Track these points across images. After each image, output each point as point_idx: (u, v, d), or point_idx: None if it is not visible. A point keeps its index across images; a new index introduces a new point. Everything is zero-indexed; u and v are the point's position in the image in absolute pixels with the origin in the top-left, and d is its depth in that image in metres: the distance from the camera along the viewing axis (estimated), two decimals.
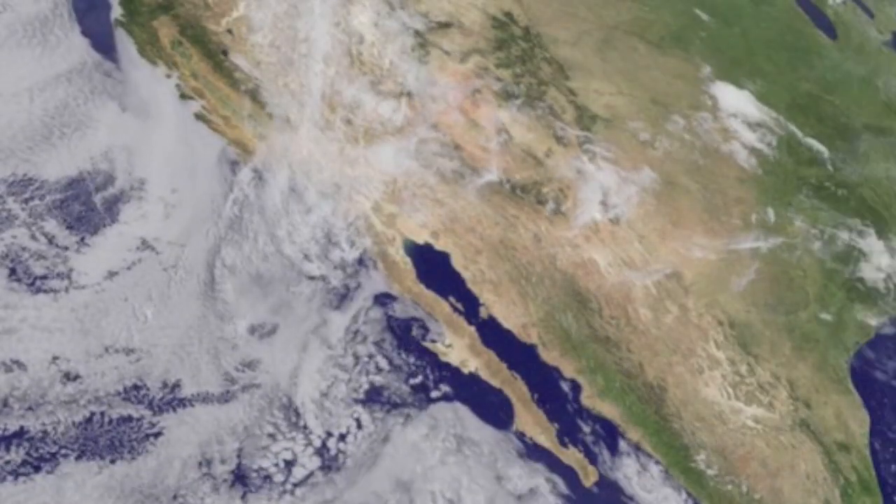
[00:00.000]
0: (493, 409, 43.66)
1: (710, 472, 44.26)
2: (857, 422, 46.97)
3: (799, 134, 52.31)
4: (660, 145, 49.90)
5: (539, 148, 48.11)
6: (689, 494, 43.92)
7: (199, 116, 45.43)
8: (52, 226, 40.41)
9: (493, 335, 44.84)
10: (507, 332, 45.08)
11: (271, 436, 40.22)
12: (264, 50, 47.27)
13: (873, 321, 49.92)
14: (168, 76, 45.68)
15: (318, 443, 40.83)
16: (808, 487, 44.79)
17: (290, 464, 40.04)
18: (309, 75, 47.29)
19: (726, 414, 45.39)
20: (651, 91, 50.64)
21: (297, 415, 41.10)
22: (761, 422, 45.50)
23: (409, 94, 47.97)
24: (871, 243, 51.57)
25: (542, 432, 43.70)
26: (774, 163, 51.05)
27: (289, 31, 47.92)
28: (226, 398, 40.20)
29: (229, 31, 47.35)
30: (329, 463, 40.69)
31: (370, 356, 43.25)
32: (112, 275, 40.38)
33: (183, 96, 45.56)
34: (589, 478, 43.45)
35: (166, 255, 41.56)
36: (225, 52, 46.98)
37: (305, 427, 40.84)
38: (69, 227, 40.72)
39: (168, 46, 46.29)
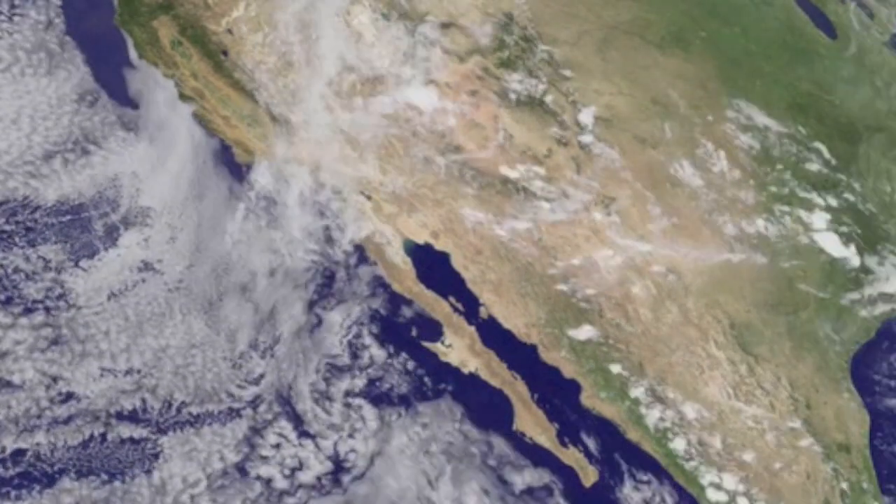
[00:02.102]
0: (493, 409, 43.69)
1: (709, 472, 44.29)
2: (857, 422, 46.97)
3: (799, 134, 52.27)
4: (660, 145, 49.87)
5: (539, 148, 48.09)
6: (688, 494, 43.96)
7: (198, 116, 45.42)
8: (49, 249, 39.90)
9: (493, 335, 44.85)
10: (507, 332, 45.10)
11: (276, 446, 40.20)
12: (264, 50, 47.26)
13: (873, 321, 49.89)
14: (169, 76, 45.63)
15: (322, 447, 40.83)
16: (808, 487, 44.79)
17: (295, 470, 40.07)
18: (309, 75, 47.27)
19: (726, 414, 45.40)
20: (651, 91, 50.60)
21: (302, 422, 41.08)
22: (761, 422, 45.50)
23: (408, 94, 47.97)
24: (871, 244, 51.51)
25: (542, 432, 43.72)
26: (775, 163, 51.02)
27: (289, 31, 47.87)
28: (229, 416, 40.08)
29: (229, 31, 47.33)
30: (333, 466, 40.72)
31: (370, 357, 43.28)
32: (113, 296, 40.10)
33: (183, 96, 45.55)
34: (588, 478, 43.47)
35: (169, 275, 41.33)
36: (225, 52, 46.97)
37: (309, 434, 40.83)
38: (68, 252, 40.29)
39: (168, 46, 46.27)
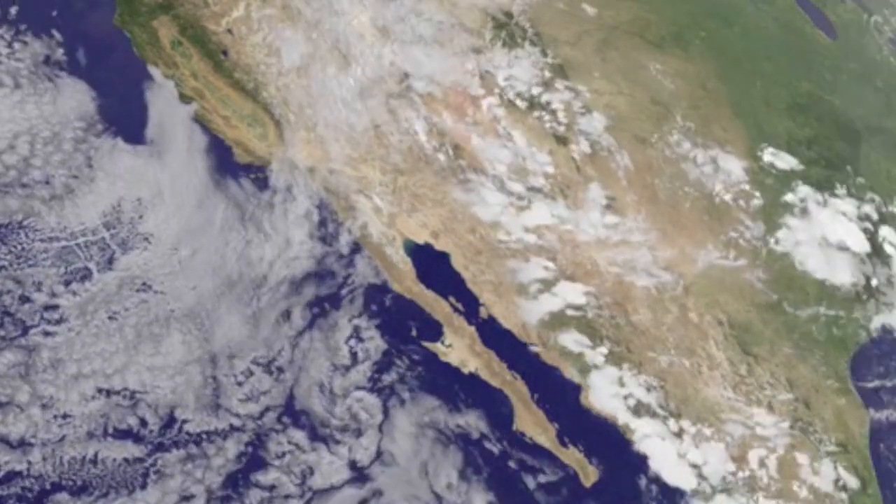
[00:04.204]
0: (493, 409, 43.68)
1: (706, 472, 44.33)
2: (857, 422, 46.99)
3: (799, 134, 52.33)
4: (660, 145, 49.93)
5: (539, 147, 48.12)
6: (685, 494, 43.98)
7: (199, 117, 45.39)
8: (44, 272, 39.29)
9: (493, 335, 44.85)
10: (507, 332, 45.10)
11: (281, 455, 40.05)
12: (264, 50, 47.27)
13: (874, 321, 49.93)
14: (169, 76, 45.60)
15: (333, 450, 40.77)
16: (807, 488, 44.82)
17: (305, 475, 39.97)
18: (309, 75, 47.29)
19: (726, 414, 45.41)
20: (651, 91, 50.67)
21: (309, 427, 40.97)
22: (760, 422, 45.51)
23: (408, 94, 48.01)
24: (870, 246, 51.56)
25: (542, 432, 43.72)
26: (775, 165, 51.07)
27: (289, 31, 47.91)
28: (231, 431, 39.76)
29: (229, 31, 47.35)
30: (347, 466, 40.69)
31: (372, 356, 43.26)
32: (111, 318, 39.63)
33: (183, 96, 45.55)
34: (589, 478, 43.46)
35: (169, 295, 40.87)
36: (225, 52, 46.99)
37: (319, 437, 40.75)
38: (64, 275, 39.66)
39: (168, 46, 46.29)
